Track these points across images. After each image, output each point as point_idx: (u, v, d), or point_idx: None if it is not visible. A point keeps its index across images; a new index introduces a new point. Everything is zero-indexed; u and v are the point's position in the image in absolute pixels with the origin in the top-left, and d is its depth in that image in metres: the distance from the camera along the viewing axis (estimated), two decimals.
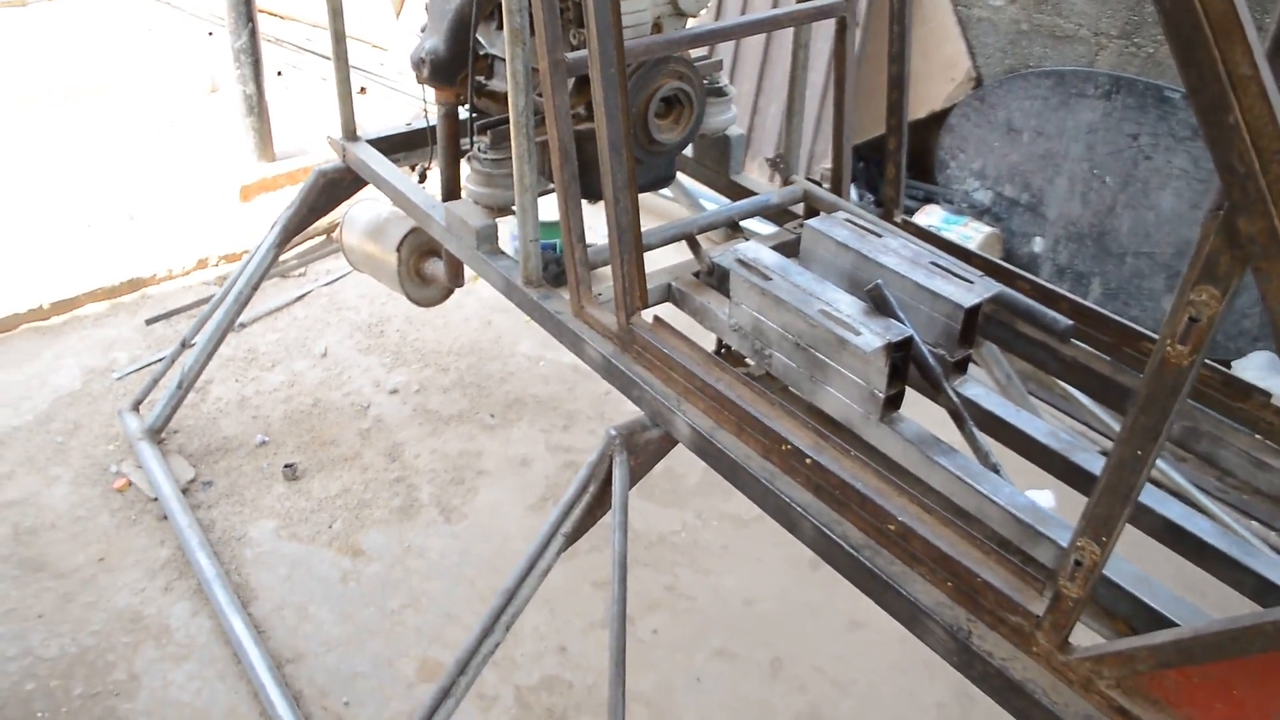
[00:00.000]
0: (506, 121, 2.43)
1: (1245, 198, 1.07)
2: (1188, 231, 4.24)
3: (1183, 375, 1.21)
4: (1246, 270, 1.12)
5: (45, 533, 3.39)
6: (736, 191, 3.06)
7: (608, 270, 2.24)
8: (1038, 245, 4.80)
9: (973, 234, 4.72)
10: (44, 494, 3.55)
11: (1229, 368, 4.05)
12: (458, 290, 3.38)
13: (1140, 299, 4.50)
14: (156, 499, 3.50)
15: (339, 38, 3.19)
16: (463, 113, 2.84)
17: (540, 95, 2.20)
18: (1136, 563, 1.69)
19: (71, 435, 3.83)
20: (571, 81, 2.51)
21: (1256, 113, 1.03)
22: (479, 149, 2.67)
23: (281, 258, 4.81)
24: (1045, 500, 3.35)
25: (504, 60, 2.37)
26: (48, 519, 3.45)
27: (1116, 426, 3.42)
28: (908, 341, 1.95)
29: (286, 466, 3.67)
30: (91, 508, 3.50)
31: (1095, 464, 1.96)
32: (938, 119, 5.07)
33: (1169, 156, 4.24)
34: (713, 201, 3.85)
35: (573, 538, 2.25)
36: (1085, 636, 1.55)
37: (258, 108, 5.69)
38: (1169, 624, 1.61)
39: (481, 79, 2.80)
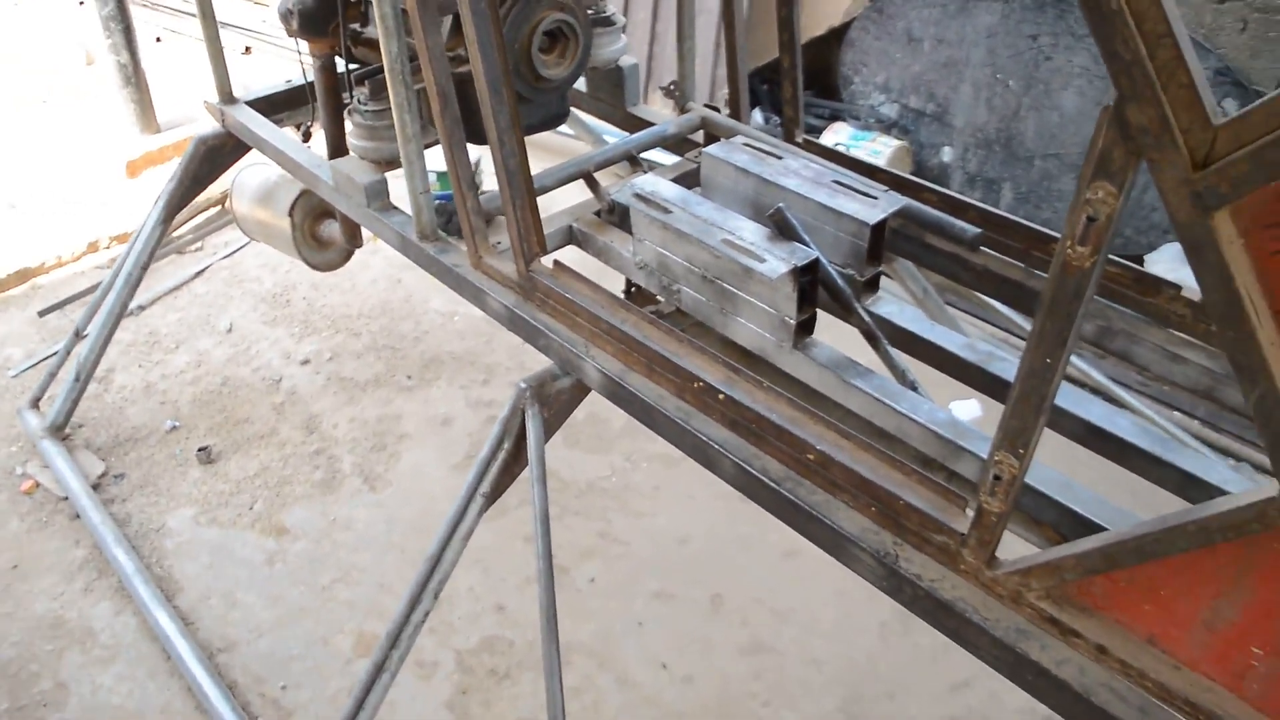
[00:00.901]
0: (383, 70, 2.31)
1: (1133, 86, 1.02)
2: (1092, 130, 4.25)
3: (1085, 277, 1.16)
4: (1141, 163, 1.07)
5: None
6: (635, 124, 2.97)
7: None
8: (947, 155, 4.79)
9: (881, 149, 4.68)
10: None
11: (1141, 263, 4.09)
12: (360, 251, 3.25)
13: (1051, 200, 4.51)
14: (67, 498, 3.36)
15: None
16: (342, 64, 2.70)
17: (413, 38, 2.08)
18: (1060, 466, 1.66)
19: None
20: (448, 21, 2.39)
21: None
22: (359, 101, 2.54)
23: (176, 233, 4.64)
24: (971, 411, 3.36)
25: (374, 4, 2.24)
26: None
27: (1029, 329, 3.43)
28: (814, 264, 1.89)
29: (200, 450, 3.54)
30: None
31: (1013, 372, 1.93)
32: (838, 34, 5.00)
33: (1069, 55, 4.23)
34: (614, 136, 3.75)
35: (492, 497, 2.18)
36: (1017, 547, 1.53)
37: (134, 77, 5.42)
38: (1095, 527, 1.59)
39: (356, 27, 2.66)
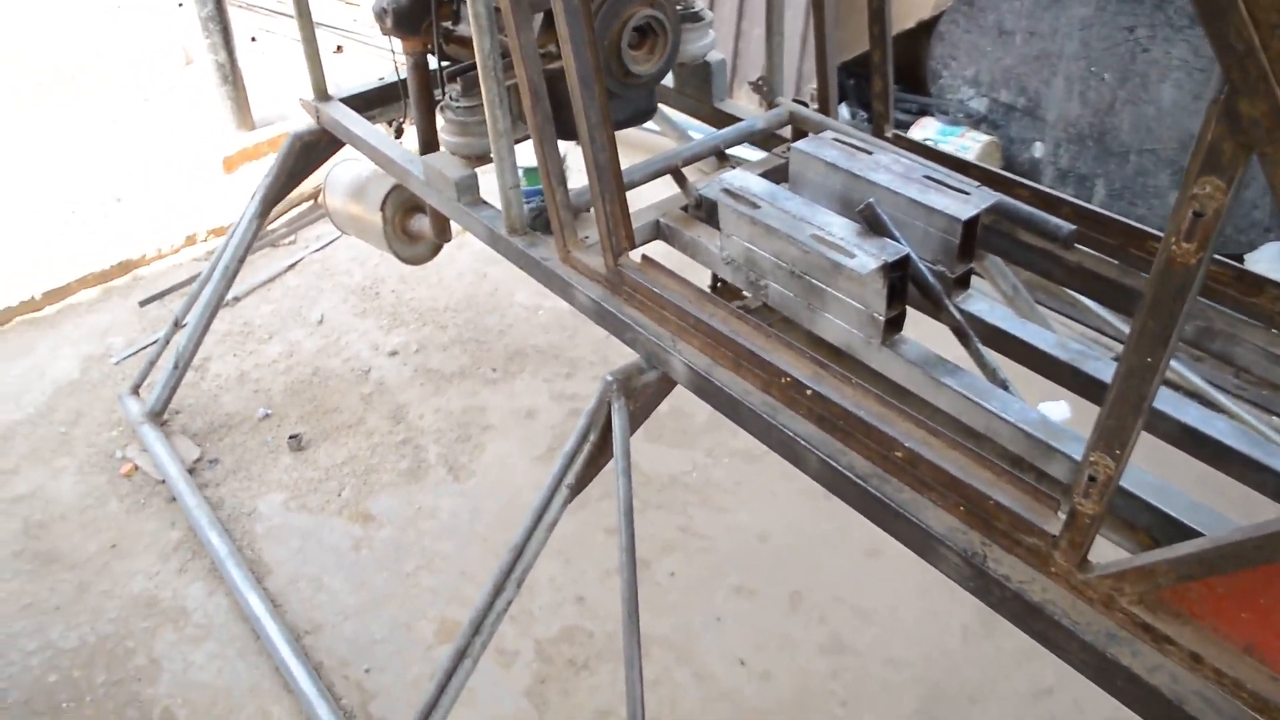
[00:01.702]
0: (475, 68, 2.34)
1: (1245, 78, 0.99)
2: (1191, 124, 4.12)
3: (1190, 274, 1.13)
4: (1251, 157, 1.04)
5: (55, 524, 3.37)
6: (722, 119, 2.97)
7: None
8: (1038, 150, 4.69)
9: (970, 144, 4.61)
10: (51, 486, 3.52)
11: (1241, 262, 3.96)
12: (448, 245, 3.31)
13: (1146, 197, 4.39)
14: (164, 481, 3.47)
15: None
16: (433, 62, 2.75)
17: (505, 35, 2.11)
18: (1155, 469, 1.63)
19: (74, 424, 3.80)
20: (539, 18, 2.42)
21: None
22: (451, 98, 2.58)
23: (270, 226, 4.76)
24: (1060, 412, 3.29)
25: (467, 2, 2.27)
26: (57, 510, 3.42)
27: (1124, 328, 3.35)
28: (904, 260, 1.87)
29: (291, 438, 3.63)
30: (100, 495, 3.47)
31: (1107, 372, 1.89)
32: (926, 28, 4.93)
33: (1167, 47, 4.11)
34: (700, 132, 3.74)
35: (577, 489, 2.20)
36: (1107, 551, 1.50)
37: (232, 76, 5.57)
38: (1190, 532, 1.55)
39: (448, 25, 2.70)
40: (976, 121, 4.83)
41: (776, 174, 2.66)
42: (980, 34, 4.70)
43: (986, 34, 4.68)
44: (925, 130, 4.74)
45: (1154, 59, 4.16)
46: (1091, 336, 3.67)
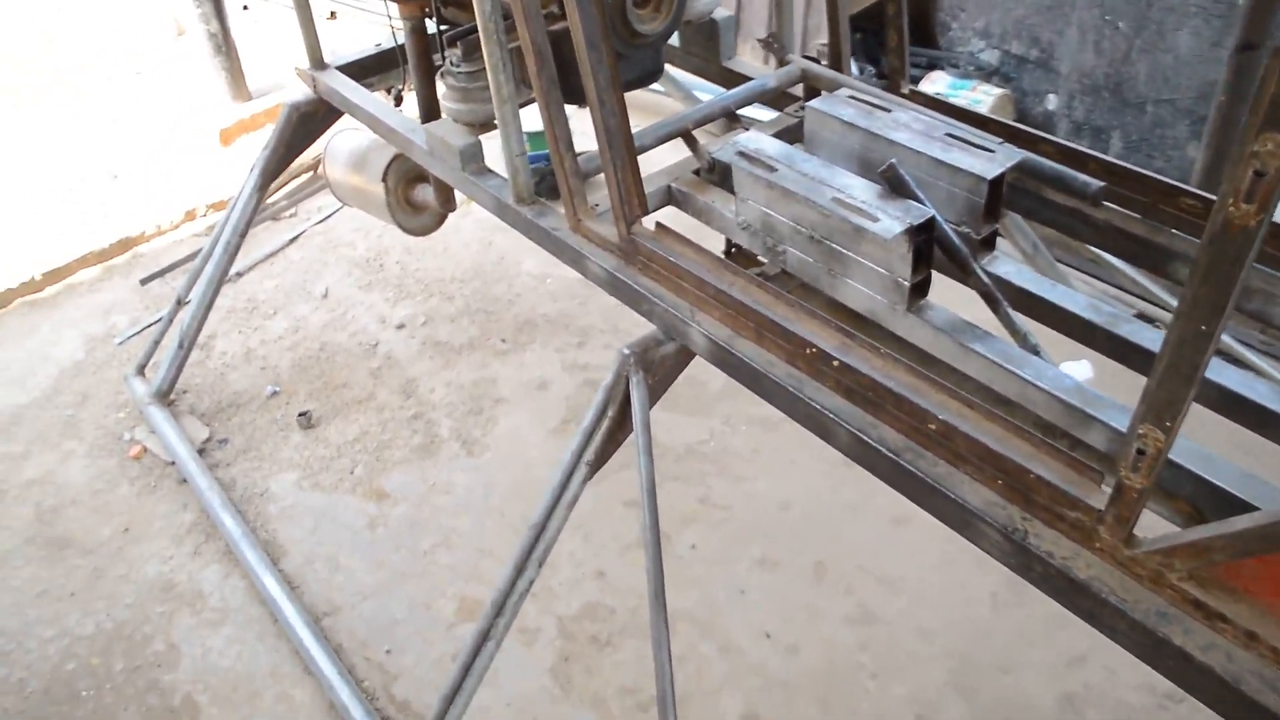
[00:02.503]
0: (476, 31, 2.26)
1: None
2: (1209, 72, 4.01)
3: (1250, 238, 1.07)
4: None
5: (67, 509, 3.33)
6: (731, 78, 2.88)
7: (604, 178, 2.09)
8: (1051, 103, 4.58)
9: (982, 98, 4.50)
10: (61, 470, 3.48)
11: None
12: (452, 214, 3.24)
13: (1165, 148, 4.30)
14: (174, 463, 3.43)
15: None
16: (432, 26, 2.66)
17: None
18: (1187, 434, 1.56)
19: (81, 407, 3.75)
20: None
21: None
22: (451, 63, 2.50)
23: (270, 199, 4.68)
24: (1083, 371, 3.23)
25: None
26: (68, 495, 3.38)
27: (1152, 288, 3.29)
28: (930, 223, 1.81)
29: (301, 415, 3.58)
30: (110, 479, 3.43)
31: (1142, 336, 1.83)
32: None
33: None
34: (707, 92, 3.64)
35: (596, 465, 2.15)
36: (1148, 521, 1.44)
37: (225, 46, 5.47)
38: (1238, 503, 1.49)
39: None
40: (988, 74, 4.72)
41: (790, 134, 2.58)
42: None
43: None
44: (936, 84, 4.63)
45: (1170, 5, 4.04)
46: (1113, 294, 3.59)
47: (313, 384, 3.76)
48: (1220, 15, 3.93)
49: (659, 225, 2.11)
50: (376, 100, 2.95)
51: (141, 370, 3.78)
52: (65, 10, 7.21)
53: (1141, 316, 3.60)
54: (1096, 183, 2.07)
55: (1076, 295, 1.97)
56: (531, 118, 2.25)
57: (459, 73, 2.48)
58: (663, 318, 2.05)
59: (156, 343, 3.74)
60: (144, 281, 4.41)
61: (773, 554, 2.99)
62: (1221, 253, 1.11)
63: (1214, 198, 1.98)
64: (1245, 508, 1.48)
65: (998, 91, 4.56)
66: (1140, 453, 1.32)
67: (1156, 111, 4.26)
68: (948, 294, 1.93)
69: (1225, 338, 2.83)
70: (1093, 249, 2.39)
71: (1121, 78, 4.31)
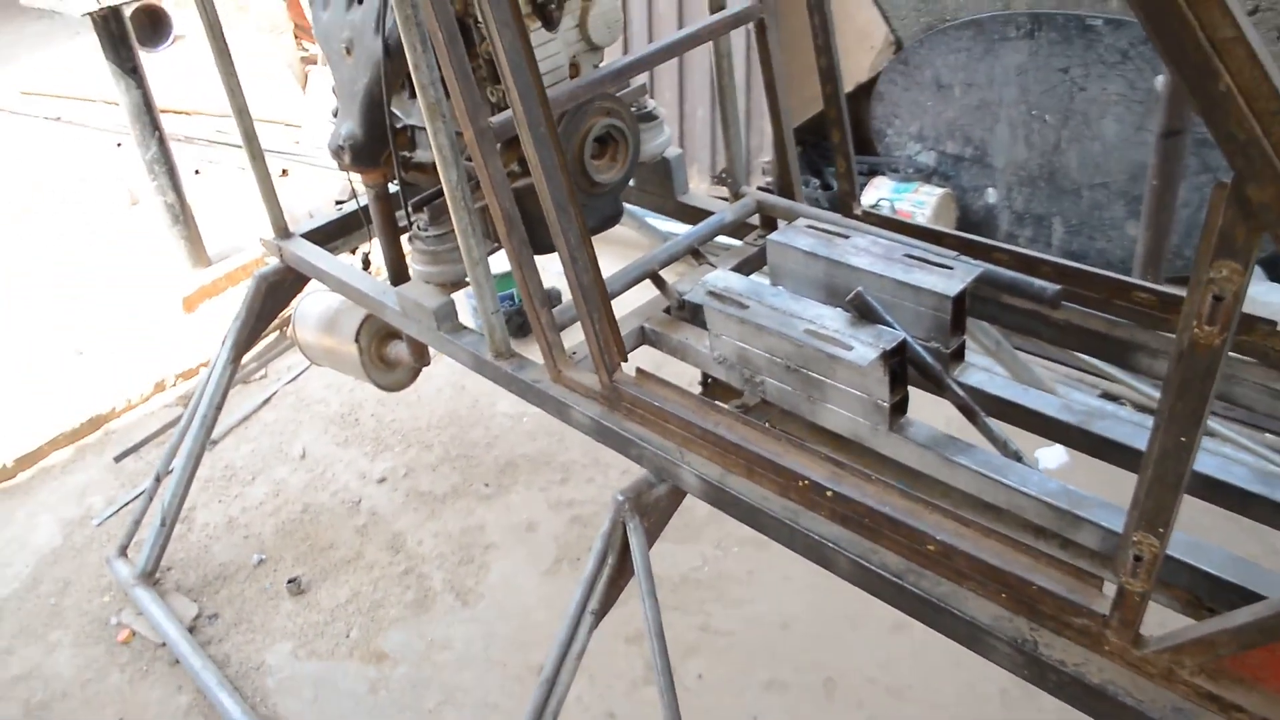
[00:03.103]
0: (441, 195, 2.34)
1: (1251, 165, 1.00)
2: (1137, 154, 4.20)
3: (1216, 355, 1.14)
4: (1264, 235, 1.05)
5: (57, 704, 3.25)
6: (686, 212, 2.98)
7: (578, 325, 2.15)
8: (991, 196, 4.76)
9: (925, 198, 4.66)
10: (47, 663, 3.40)
11: None
12: None
13: (1105, 229, 4.46)
14: (164, 644, 3.37)
15: (250, 136, 3.06)
16: (393, 186, 2.74)
17: (470, 160, 2.10)
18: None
19: (63, 594, 3.69)
20: (500, 142, 2.42)
21: (1247, 76, 0.95)
22: (418, 226, 2.57)
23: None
24: (1056, 458, 3.30)
25: (425, 129, 2.26)
26: (57, 689, 3.30)
27: (1113, 373, 3.38)
28: (901, 346, 1.88)
29: (290, 582, 3.54)
30: (99, 668, 3.36)
31: (1115, 431, 1.90)
32: (865, 90, 5.02)
33: (1103, 84, 4.21)
34: (658, 220, 3.75)
35: (601, 613, 2.16)
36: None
37: (182, 215, 5.55)
38: (1232, 588, 1.54)
39: (405, 153, 2.70)
40: (928, 175, 4.90)
41: (752, 263, 2.68)
42: (919, 90, 4.80)
43: (925, 89, 4.77)
44: (879, 190, 4.80)
45: (1092, 97, 4.25)
46: (1076, 378, 3.69)
47: (299, 548, 3.74)
48: (1139, 101, 4.14)
49: (640, 370, 2.16)
50: (344, 265, 3.01)
51: (123, 551, 3.73)
52: (14, 186, 7.28)
53: (1106, 395, 3.70)
54: (1053, 286, 2.16)
55: (1048, 397, 2.04)
56: (496, 260, 2.31)
57: (428, 236, 2.55)
58: (652, 460, 2.08)
59: (137, 521, 3.70)
60: (118, 459, 4.39)
61: (781, 675, 2.98)
62: (1191, 370, 1.17)
63: (1164, 290, 2.09)
64: (1239, 590, 1.53)
65: (939, 191, 4.72)
66: (1138, 558, 1.36)
67: (1092, 195, 4.43)
68: (923, 400, 1.99)
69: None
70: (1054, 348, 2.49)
71: (1054, 167, 4.49)
